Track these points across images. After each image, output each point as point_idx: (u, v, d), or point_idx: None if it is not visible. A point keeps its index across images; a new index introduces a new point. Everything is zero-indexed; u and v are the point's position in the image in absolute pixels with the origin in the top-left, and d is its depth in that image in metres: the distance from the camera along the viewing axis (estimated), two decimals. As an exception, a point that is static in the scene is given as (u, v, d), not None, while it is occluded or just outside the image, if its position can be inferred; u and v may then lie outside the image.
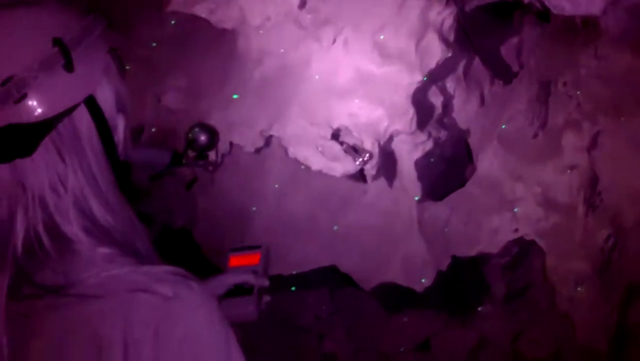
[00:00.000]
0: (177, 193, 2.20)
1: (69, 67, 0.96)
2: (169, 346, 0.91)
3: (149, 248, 1.06)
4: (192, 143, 2.47)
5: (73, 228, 0.97)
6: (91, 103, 1.00)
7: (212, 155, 2.50)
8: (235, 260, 1.57)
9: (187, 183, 2.42)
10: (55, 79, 0.95)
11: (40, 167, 0.96)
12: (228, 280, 1.49)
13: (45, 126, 0.95)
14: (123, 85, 1.09)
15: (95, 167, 1.01)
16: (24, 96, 0.93)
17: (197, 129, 2.49)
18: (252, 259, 1.56)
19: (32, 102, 0.94)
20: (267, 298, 1.52)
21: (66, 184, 0.97)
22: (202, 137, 2.47)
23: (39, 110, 0.94)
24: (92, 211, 0.99)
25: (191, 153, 2.52)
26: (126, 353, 0.89)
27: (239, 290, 1.48)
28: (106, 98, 1.04)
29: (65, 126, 0.98)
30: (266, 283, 1.51)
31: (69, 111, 0.97)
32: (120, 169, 1.07)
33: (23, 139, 0.95)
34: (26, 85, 0.93)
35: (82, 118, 0.99)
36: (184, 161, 2.56)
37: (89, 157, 1.00)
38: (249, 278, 1.49)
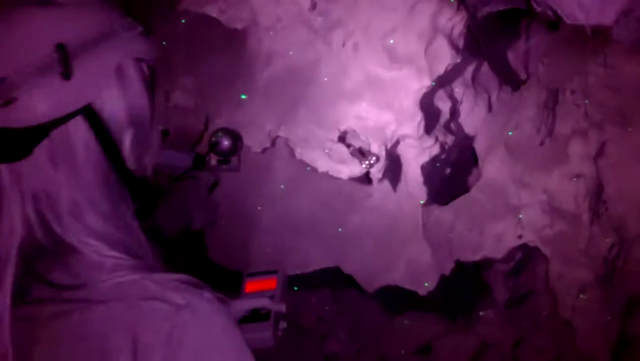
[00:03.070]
0: (198, 196, 2.20)
1: (66, 74, 0.91)
2: (180, 356, 0.89)
3: (153, 260, 1.02)
4: (214, 147, 2.47)
5: (70, 235, 0.94)
6: (93, 113, 0.96)
7: (234, 160, 2.50)
8: (251, 285, 1.53)
9: (209, 187, 2.40)
10: (50, 85, 0.91)
11: (33, 174, 0.93)
12: (244, 305, 1.45)
13: (37, 132, 0.91)
14: (144, 98, 1.04)
15: (92, 178, 0.97)
16: (11, 100, 0.89)
17: (220, 133, 2.48)
18: (269, 284, 1.52)
19: (21, 107, 0.89)
20: (283, 325, 1.48)
21: (60, 192, 0.94)
22: (225, 142, 2.46)
23: (27, 116, 0.90)
24: (87, 222, 0.95)
25: (213, 157, 2.52)
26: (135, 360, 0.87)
27: (256, 316, 1.44)
28: (114, 110, 0.98)
29: (60, 134, 0.93)
30: (283, 308, 1.47)
31: (62, 120, 0.93)
32: (132, 182, 1.02)
33: (13, 143, 0.91)
34: (17, 88, 0.89)
35: (78, 128, 0.95)
36: (205, 165, 2.57)
37: (84, 168, 0.96)
38: (266, 303, 1.45)
